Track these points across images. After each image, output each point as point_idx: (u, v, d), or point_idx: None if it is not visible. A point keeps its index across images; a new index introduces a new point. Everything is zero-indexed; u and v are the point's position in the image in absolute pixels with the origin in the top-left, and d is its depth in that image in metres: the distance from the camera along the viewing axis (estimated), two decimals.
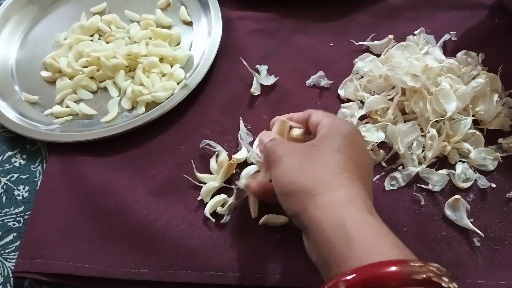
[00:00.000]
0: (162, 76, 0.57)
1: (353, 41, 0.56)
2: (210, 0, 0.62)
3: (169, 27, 0.63)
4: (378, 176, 0.46)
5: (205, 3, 0.62)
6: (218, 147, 0.49)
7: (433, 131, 0.45)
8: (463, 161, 0.45)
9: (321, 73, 0.54)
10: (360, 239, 0.29)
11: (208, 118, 0.53)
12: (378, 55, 0.54)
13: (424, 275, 0.26)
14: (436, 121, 0.45)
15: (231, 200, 0.46)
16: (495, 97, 0.45)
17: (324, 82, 0.53)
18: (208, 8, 0.61)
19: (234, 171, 0.48)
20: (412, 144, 0.46)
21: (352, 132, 0.37)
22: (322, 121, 0.39)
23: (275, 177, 0.36)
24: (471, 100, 0.46)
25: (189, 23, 0.63)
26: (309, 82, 0.54)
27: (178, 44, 0.61)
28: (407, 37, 0.54)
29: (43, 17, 0.67)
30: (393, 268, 0.26)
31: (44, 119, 0.56)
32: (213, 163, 0.49)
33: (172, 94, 0.54)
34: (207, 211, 0.46)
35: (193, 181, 0.48)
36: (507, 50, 0.51)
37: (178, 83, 0.56)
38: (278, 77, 0.55)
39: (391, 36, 0.54)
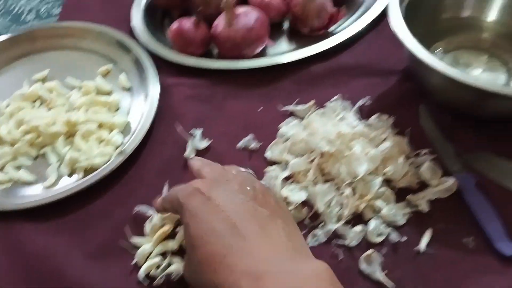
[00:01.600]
0: (100, 142, 0.60)
1: (279, 106, 0.60)
2: (148, 67, 0.65)
3: (109, 93, 0.66)
4: (302, 233, 0.49)
5: (144, 70, 0.66)
6: (152, 211, 0.52)
7: (348, 191, 0.49)
8: (376, 217, 0.49)
9: (250, 136, 0.58)
10: None
11: (144, 182, 0.56)
12: (303, 119, 0.58)
13: None
14: (351, 181, 0.50)
15: (165, 262, 0.48)
16: (400, 159, 0.50)
17: (253, 145, 0.58)
18: (146, 75, 0.65)
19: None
20: (330, 203, 0.50)
21: None
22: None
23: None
24: (382, 161, 0.51)
25: (129, 89, 0.66)
26: (239, 145, 0.58)
27: (118, 109, 0.64)
28: (326, 103, 0.59)
29: None
30: None
31: None
32: (147, 227, 0.51)
33: (110, 160, 0.57)
34: (141, 274, 0.48)
35: (129, 245, 0.50)
36: (414, 112, 0.57)
37: (116, 148, 0.58)
38: (211, 141, 0.59)
39: (313, 101, 0.59)
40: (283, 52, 0.67)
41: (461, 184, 0.49)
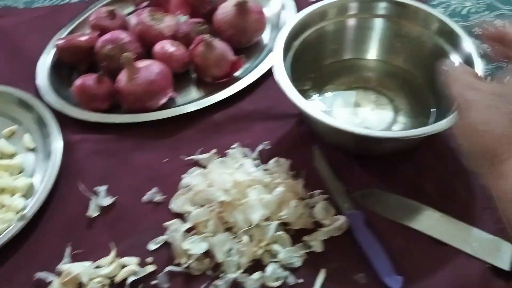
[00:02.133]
0: (1, 208, 0.58)
1: (183, 156, 0.62)
2: (52, 126, 0.65)
3: (13, 156, 0.65)
4: (204, 285, 0.50)
5: (47, 129, 0.65)
6: (51, 277, 0.51)
7: (245, 238, 0.51)
8: (274, 262, 0.51)
9: (155, 189, 0.59)
10: None
11: (46, 246, 0.55)
12: (205, 168, 0.60)
13: None
14: (248, 228, 0.51)
15: None
16: (292, 203, 0.52)
17: (158, 198, 0.58)
18: (49, 134, 0.65)
19: None
20: (230, 252, 0.51)
21: None
22: None
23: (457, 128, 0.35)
24: (278, 206, 0.53)
25: (33, 149, 0.65)
26: (145, 198, 0.59)
27: (21, 172, 0.63)
28: (227, 150, 0.60)
29: None
30: None
31: None
32: None
33: (10, 226, 0.56)
34: None
35: None
36: (310, 154, 0.60)
37: (17, 213, 0.57)
38: (116, 196, 0.59)
39: (214, 150, 0.61)
40: (190, 101, 0.69)
41: (351, 221, 0.52)
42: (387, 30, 0.64)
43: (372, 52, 0.66)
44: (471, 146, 0.33)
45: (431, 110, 0.61)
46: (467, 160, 0.35)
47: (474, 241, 0.50)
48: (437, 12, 0.60)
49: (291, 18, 0.61)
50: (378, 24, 0.64)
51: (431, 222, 0.52)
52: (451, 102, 0.37)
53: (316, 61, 0.65)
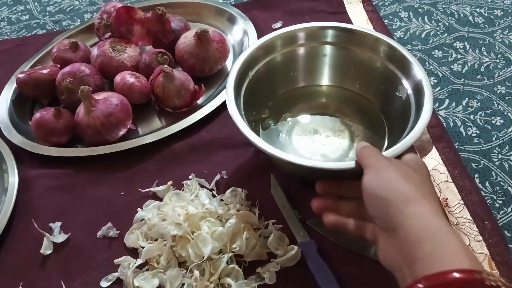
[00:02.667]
0: None
1: (139, 189, 0.61)
2: (8, 161, 0.65)
3: None
4: None
5: (4, 165, 0.65)
6: None
7: (196, 273, 0.50)
8: None
9: (109, 224, 0.58)
10: (449, 247, 0.34)
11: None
12: (162, 200, 0.59)
13: (494, 284, 0.30)
14: (201, 262, 0.50)
15: None
16: (245, 234, 0.52)
17: (112, 233, 0.57)
18: (5, 169, 0.64)
19: None
20: (183, 286, 0.50)
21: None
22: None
23: (370, 181, 0.41)
24: (231, 237, 0.52)
25: None
26: (99, 233, 0.58)
27: None
28: (184, 181, 0.60)
29: None
30: (464, 276, 0.31)
31: None
32: None
33: None
34: None
35: None
36: (266, 182, 0.59)
37: None
38: (70, 233, 0.58)
39: (170, 182, 0.60)
40: (152, 131, 0.69)
41: (304, 251, 0.51)
42: (338, 57, 0.64)
43: (326, 79, 0.66)
44: (384, 193, 0.40)
45: (385, 137, 0.61)
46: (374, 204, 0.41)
47: None
48: (386, 37, 0.60)
49: (241, 54, 0.61)
50: (329, 51, 0.64)
51: None
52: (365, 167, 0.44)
53: (270, 91, 0.65)
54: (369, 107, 0.64)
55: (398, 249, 0.37)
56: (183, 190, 0.59)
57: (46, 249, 0.56)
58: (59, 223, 0.59)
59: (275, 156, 0.50)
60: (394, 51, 0.59)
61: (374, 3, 0.90)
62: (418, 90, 0.55)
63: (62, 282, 0.53)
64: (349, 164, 0.47)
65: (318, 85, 0.67)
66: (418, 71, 0.56)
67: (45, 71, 0.72)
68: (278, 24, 0.85)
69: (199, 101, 0.73)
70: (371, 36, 0.60)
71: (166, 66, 0.69)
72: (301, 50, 0.63)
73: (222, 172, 0.61)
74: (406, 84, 0.58)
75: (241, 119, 0.53)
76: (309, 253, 0.51)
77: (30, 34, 0.92)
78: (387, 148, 0.53)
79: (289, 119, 0.65)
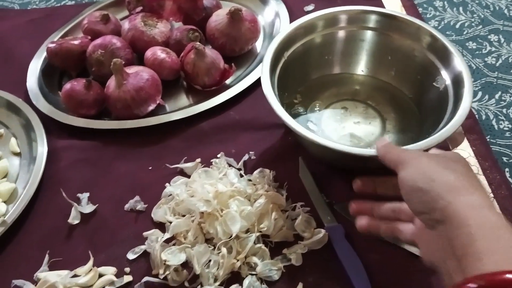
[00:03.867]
0: None
1: (167, 164, 0.61)
2: (37, 131, 0.65)
3: None
4: None
5: (34, 134, 0.65)
6: (28, 285, 0.50)
7: (224, 250, 0.50)
8: (252, 274, 0.50)
9: (137, 198, 0.58)
10: (505, 245, 0.32)
11: (25, 254, 0.55)
12: (189, 177, 0.59)
13: None
14: (228, 240, 0.51)
15: None
16: (273, 215, 0.52)
17: (140, 206, 0.58)
18: (35, 139, 0.64)
19: None
20: (209, 263, 0.51)
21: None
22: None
23: (408, 175, 0.39)
24: (259, 217, 0.52)
25: (18, 154, 0.65)
26: (127, 207, 0.58)
27: (5, 176, 0.63)
28: (212, 159, 0.60)
29: None
30: None
31: None
32: None
33: None
34: None
35: None
36: (294, 165, 0.59)
37: None
38: (97, 205, 0.58)
39: (198, 159, 0.60)
40: (180, 109, 0.69)
41: (331, 235, 0.51)
42: (377, 43, 0.63)
43: (362, 65, 0.66)
44: (424, 184, 0.38)
45: (419, 127, 0.60)
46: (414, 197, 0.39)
47: None
48: (429, 26, 0.59)
49: (280, 31, 0.60)
50: (368, 37, 0.63)
51: None
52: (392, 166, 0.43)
53: (305, 73, 0.65)
54: (401, 96, 0.63)
55: (445, 243, 0.35)
56: (211, 168, 0.59)
57: (74, 219, 0.57)
58: (87, 194, 0.59)
59: (308, 138, 0.49)
60: (436, 40, 0.57)
61: None
62: (457, 81, 0.54)
63: (89, 252, 0.53)
64: None
65: (351, 73, 0.66)
66: (459, 63, 0.55)
67: (76, 42, 0.72)
68: (310, 7, 0.84)
69: (227, 81, 0.72)
70: (414, 24, 0.59)
71: (198, 43, 0.68)
72: (341, 33, 0.63)
73: (250, 152, 0.61)
74: (445, 75, 0.57)
75: (275, 99, 0.53)
76: (336, 238, 0.51)
77: (59, 5, 0.91)
78: (420, 138, 0.52)
79: (320, 104, 0.64)
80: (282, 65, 0.59)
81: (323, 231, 0.52)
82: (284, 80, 0.59)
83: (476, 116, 0.65)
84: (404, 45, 0.61)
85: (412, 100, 0.62)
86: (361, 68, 0.66)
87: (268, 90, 0.54)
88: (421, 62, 0.60)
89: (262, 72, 0.56)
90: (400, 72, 0.63)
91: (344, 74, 0.66)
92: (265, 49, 0.76)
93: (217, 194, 0.53)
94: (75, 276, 0.52)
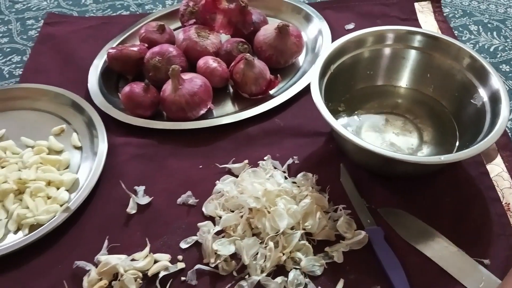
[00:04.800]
0: (48, 199, 0.63)
1: (217, 164, 0.66)
2: (99, 128, 0.71)
3: (60, 152, 0.70)
4: (229, 285, 0.54)
5: (94, 131, 0.71)
6: (89, 266, 0.55)
7: (271, 244, 0.54)
8: (296, 268, 0.54)
9: (189, 193, 0.63)
10: None
11: (86, 238, 0.60)
12: (237, 176, 0.64)
13: None
14: (275, 235, 0.55)
15: None
16: (318, 214, 0.56)
17: (192, 201, 0.62)
18: (96, 135, 0.70)
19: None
20: (256, 255, 0.55)
21: None
22: None
23: None
24: (303, 216, 0.56)
25: (79, 148, 0.71)
26: (179, 200, 0.63)
27: (67, 167, 0.69)
28: (259, 161, 0.65)
29: None
30: None
31: None
32: (85, 282, 0.55)
33: (55, 216, 0.61)
34: None
35: None
36: (336, 170, 0.63)
37: (62, 205, 0.62)
38: (152, 197, 0.63)
39: (246, 161, 0.65)
40: (226, 114, 0.74)
41: (371, 237, 0.55)
42: (419, 61, 0.68)
43: (403, 81, 0.70)
44: None
45: (456, 140, 0.63)
46: None
47: (483, 282, 0.52)
48: (469, 48, 0.64)
49: (332, 43, 0.66)
50: (409, 55, 0.68)
51: (445, 254, 0.54)
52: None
53: (349, 85, 0.69)
54: (440, 111, 0.67)
55: None
56: (258, 169, 0.64)
57: (131, 209, 0.62)
58: (143, 187, 0.64)
59: (354, 142, 0.53)
60: (475, 61, 0.62)
61: (444, 15, 0.93)
62: (495, 98, 0.58)
63: (146, 239, 0.58)
64: (429, 159, 0.50)
65: (394, 85, 0.70)
66: (496, 81, 0.59)
67: (134, 49, 0.78)
68: (351, 26, 0.88)
69: (271, 92, 0.77)
70: (455, 46, 0.64)
71: (248, 54, 0.73)
72: (387, 51, 0.68)
73: (294, 157, 0.66)
74: (482, 92, 0.61)
75: (323, 105, 0.57)
76: (376, 239, 0.55)
77: (114, 14, 0.98)
78: (457, 151, 0.56)
79: (361, 114, 0.68)
80: (328, 76, 0.64)
81: (363, 232, 0.56)
82: (329, 90, 0.64)
83: (510, 134, 0.69)
84: (444, 64, 0.65)
85: (450, 115, 0.66)
86: (404, 83, 0.70)
87: (317, 97, 0.58)
88: (460, 80, 0.64)
89: (311, 80, 0.61)
90: (438, 88, 0.68)
91: (387, 87, 0.71)
92: (307, 63, 0.81)
93: (265, 192, 0.58)
94: (132, 260, 0.56)
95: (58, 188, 0.65)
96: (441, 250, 0.54)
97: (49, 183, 0.65)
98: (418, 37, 0.66)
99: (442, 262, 0.54)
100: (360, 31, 0.67)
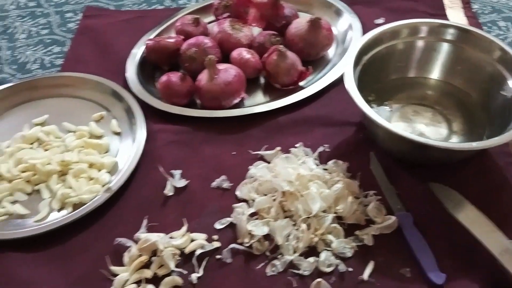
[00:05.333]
0: (90, 180, 0.67)
1: (250, 151, 0.69)
2: (138, 115, 0.74)
3: (100, 137, 0.74)
4: (262, 264, 0.56)
5: (133, 118, 0.74)
6: (130, 243, 0.58)
7: (303, 226, 0.56)
8: (327, 250, 0.56)
9: (223, 177, 0.66)
10: None
11: (126, 217, 0.63)
12: (269, 163, 0.66)
13: None
14: (307, 217, 0.57)
15: None
16: (350, 199, 0.58)
17: (226, 185, 0.65)
18: (135, 121, 0.73)
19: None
20: (289, 236, 0.57)
21: None
22: None
23: None
24: (334, 200, 0.59)
25: (118, 134, 0.74)
26: (213, 184, 0.66)
27: (107, 151, 0.72)
28: (290, 149, 0.67)
29: None
30: None
31: None
32: (126, 257, 0.58)
33: (97, 196, 0.64)
34: None
35: (108, 274, 0.56)
36: (366, 159, 0.65)
37: (103, 186, 0.66)
38: (188, 181, 0.66)
39: (278, 148, 0.67)
40: (257, 104, 0.76)
41: (401, 221, 0.57)
42: (450, 54, 0.69)
43: (434, 73, 0.72)
44: None
45: (484, 131, 0.65)
46: None
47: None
48: (500, 41, 0.65)
49: (367, 33, 0.68)
50: (441, 47, 0.69)
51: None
52: None
53: (381, 75, 0.71)
54: (469, 102, 0.68)
55: None
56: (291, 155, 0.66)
57: (169, 191, 0.65)
58: (179, 171, 0.67)
59: (387, 129, 0.55)
60: (506, 53, 0.63)
61: (473, 11, 0.93)
62: None
63: (183, 219, 0.61)
64: (462, 145, 0.52)
65: (423, 77, 0.72)
66: None
67: (171, 40, 0.81)
68: (380, 20, 0.90)
69: (301, 83, 0.79)
70: (486, 39, 0.66)
71: (281, 45, 0.76)
72: (420, 43, 0.70)
73: (325, 145, 0.68)
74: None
75: (357, 93, 0.59)
76: (406, 224, 0.57)
77: (149, 8, 1.02)
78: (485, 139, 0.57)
79: (391, 104, 0.70)
80: (360, 67, 0.66)
81: (393, 217, 0.57)
82: (361, 79, 0.65)
83: None
84: (474, 56, 0.67)
85: (479, 106, 0.67)
86: (435, 75, 0.72)
87: (350, 84, 0.60)
88: (490, 72, 0.65)
89: (345, 67, 0.63)
90: (468, 81, 0.69)
91: (418, 79, 0.72)
92: (337, 56, 0.83)
93: (298, 177, 0.60)
94: (171, 238, 0.59)
95: (99, 170, 0.68)
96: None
97: (90, 166, 0.69)
98: (451, 30, 0.68)
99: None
100: (395, 22, 0.69)
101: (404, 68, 0.72)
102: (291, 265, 0.56)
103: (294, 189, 0.59)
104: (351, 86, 0.60)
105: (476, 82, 0.68)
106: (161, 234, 0.59)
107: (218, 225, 0.61)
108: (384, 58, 0.69)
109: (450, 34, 0.68)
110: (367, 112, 0.57)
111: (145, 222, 0.61)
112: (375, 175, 0.63)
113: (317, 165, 0.64)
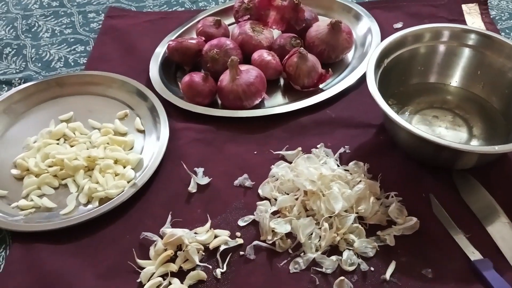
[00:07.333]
0: (116, 176, 0.69)
1: (271, 150, 0.70)
2: (161, 113, 0.76)
3: (125, 134, 0.76)
4: (285, 261, 0.57)
5: (157, 116, 0.76)
6: (156, 238, 0.60)
7: (326, 225, 0.58)
8: (349, 249, 0.57)
9: (245, 175, 0.67)
10: None
11: (151, 213, 0.65)
12: (290, 163, 0.67)
13: None
14: (329, 216, 0.58)
15: (165, 282, 0.56)
16: (371, 199, 0.59)
17: (248, 183, 0.67)
18: (158, 120, 0.75)
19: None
20: (311, 234, 0.58)
21: None
22: None
23: None
24: (356, 201, 0.60)
25: (142, 131, 0.76)
26: (236, 182, 0.67)
27: (132, 148, 0.74)
28: (312, 149, 0.68)
29: (15, 123, 0.79)
30: None
31: (10, 211, 0.66)
32: (151, 251, 0.59)
33: (123, 191, 0.66)
34: None
35: (135, 267, 0.58)
36: (386, 160, 0.66)
37: (128, 182, 0.67)
38: (211, 178, 0.68)
39: (300, 148, 0.69)
40: (278, 105, 0.78)
41: (479, 269, 0.54)
42: (471, 59, 0.70)
43: (455, 78, 0.73)
44: None
45: (505, 136, 0.65)
46: None
47: None
48: None
49: (389, 36, 0.69)
50: (464, 53, 0.70)
51: (504, 233, 0.56)
52: None
53: (403, 79, 0.72)
54: (490, 107, 0.69)
55: None
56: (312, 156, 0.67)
57: (192, 188, 0.67)
58: (202, 169, 0.69)
59: (410, 130, 0.56)
60: None
61: (491, 17, 0.94)
62: None
63: (207, 215, 0.62)
64: (483, 148, 0.53)
65: (444, 83, 0.73)
66: None
67: (193, 41, 0.83)
68: (399, 25, 0.91)
69: (321, 86, 0.80)
70: (508, 45, 0.67)
71: (301, 48, 0.77)
72: (441, 47, 0.71)
73: (345, 146, 0.69)
74: None
75: (379, 95, 0.61)
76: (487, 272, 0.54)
77: (170, 10, 1.03)
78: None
79: (410, 110, 0.71)
80: (382, 69, 0.67)
81: (414, 218, 0.58)
82: (382, 82, 0.66)
83: None
84: (496, 62, 0.68)
85: (500, 111, 0.68)
86: (455, 80, 0.73)
87: (372, 86, 0.62)
88: (511, 78, 0.66)
89: (367, 69, 0.65)
90: (488, 86, 0.70)
91: (437, 84, 0.73)
92: (356, 60, 0.84)
93: (320, 176, 0.61)
94: (195, 234, 0.61)
95: (124, 167, 0.70)
96: (501, 229, 0.56)
97: (116, 162, 0.70)
98: (472, 36, 0.69)
99: (499, 241, 0.56)
100: (418, 26, 0.70)
101: (425, 72, 0.73)
102: (314, 263, 0.57)
103: (316, 189, 0.60)
104: (373, 89, 0.61)
105: (497, 87, 0.69)
106: (186, 230, 0.61)
107: (241, 222, 0.62)
108: (406, 61, 0.70)
109: (471, 39, 0.69)
110: (389, 114, 0.58)
111: (169, 217, 0.63)
112: (440, 219, 0.60)
113: (338, 166, 0.66)
